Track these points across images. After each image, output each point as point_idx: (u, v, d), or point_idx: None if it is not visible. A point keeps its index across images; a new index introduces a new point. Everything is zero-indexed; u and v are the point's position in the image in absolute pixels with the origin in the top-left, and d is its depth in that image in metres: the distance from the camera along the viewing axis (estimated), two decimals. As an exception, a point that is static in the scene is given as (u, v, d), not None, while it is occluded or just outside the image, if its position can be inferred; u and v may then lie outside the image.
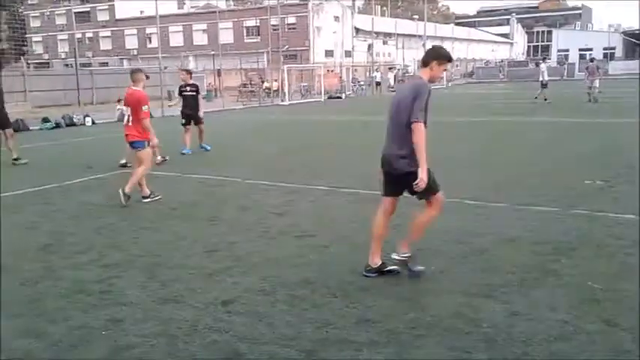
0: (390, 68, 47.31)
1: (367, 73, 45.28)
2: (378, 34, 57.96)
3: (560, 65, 53.02)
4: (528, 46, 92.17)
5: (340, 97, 34.78)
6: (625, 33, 62.33)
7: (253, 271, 4.74)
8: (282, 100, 31.54)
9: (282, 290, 4.30)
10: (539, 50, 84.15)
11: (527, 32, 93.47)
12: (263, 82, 36.14)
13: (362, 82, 42.84)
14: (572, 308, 3.80)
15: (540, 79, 24.62)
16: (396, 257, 4.51)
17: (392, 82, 41.95)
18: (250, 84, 35.88)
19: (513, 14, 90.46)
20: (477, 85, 46.05)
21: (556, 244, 5.11)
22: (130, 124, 7.51)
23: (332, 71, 40.69)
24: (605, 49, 58.41)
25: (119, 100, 17.53)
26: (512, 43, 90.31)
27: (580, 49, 59.70)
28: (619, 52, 61.31)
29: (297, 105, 30.10)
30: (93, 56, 60.36)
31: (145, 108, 7.44)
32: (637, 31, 57.53)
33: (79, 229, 6.33)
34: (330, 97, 34.30)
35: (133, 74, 7.80)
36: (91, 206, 7.43)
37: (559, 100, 23.82)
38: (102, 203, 7.55)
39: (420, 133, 4.12)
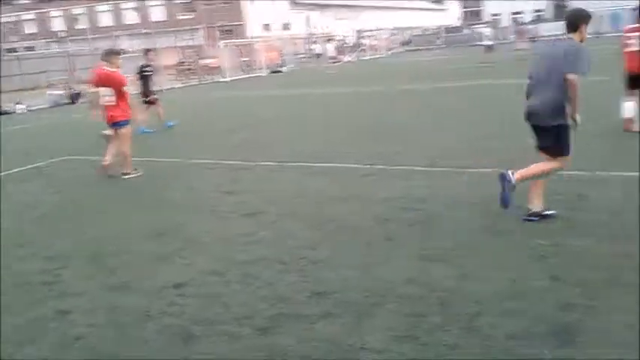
0: (328, 40, 47.09)
1: (306, 46, 44.91)
2: (314, 5, 57.51)
3: (493, 29, 54.12)
4: (463, 12, 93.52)
5: (281, 71, 34.44)
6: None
7: (204, 252, 4.67)
8: (223, 77, 30.95)
9: (234, 269, 4.25)
10: (474, 15, 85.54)
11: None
12: (201, 59, 35.31)
13: (302, 55, 42.52)
14: (520, 266, 3.92)
15: (485, 43, 25.16)
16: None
17: (333, 54, 41.82)
18: (188, 62, 34.97)
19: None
20: (416, 53, 46.46)
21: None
22: (114, 104, 7.56)
23: (270, 45, 40.18)
24: (535, 11, 59.98)
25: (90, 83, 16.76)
26: (445, 10, 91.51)
27: (512, 13, 61.11)
28: (548, 14, 63.13)
29: (238, 81, 29.61)
30: (18, 40, 57.23)
31: (125, 88, 7.62)
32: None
33: (19, 220, 6.05)
34: (272, 72, 33.92)
35: (109, 56, 7.80)
36: (31, 196, 7.11)
37: (497, 64, 24.32)
38: (42, 192, 7.23)
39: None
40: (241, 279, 4.07)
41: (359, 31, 54.63)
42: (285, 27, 53.90)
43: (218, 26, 37.53)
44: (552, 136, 4.59)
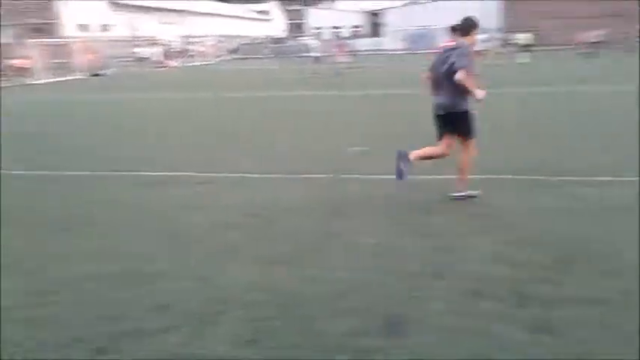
0: (153, 44, 45.47)
1: (130, 49, 42.87)
2: (137, 8, 55.13)
3: (319, 41, 56.73)
4: (288, 24, 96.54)
5: (103, 75, 32.40)
6: (369, 12, 68.99)
7: (28, 271, 4.25)
8: (36, 80, 28.23)
9: (66, 289, 3.94)
10: (297, 27, 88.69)
11: (285, 10, 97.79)
12: (8, 59, 31.77)
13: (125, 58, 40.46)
14: (353, 265, 4.20)
15: (313, 54, 26.28)
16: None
17: (159, 59, 40.43)
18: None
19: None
20: (245, 61, 46.81)
21: (335, 208, 5.56)
22: None
23: (89, 46, 37.55)
24: (353, 27, 63.98)
25: None
26: (271, 20, 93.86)
27: (333, 27, 64.54)
28: (366, 30, 67.83)
29: (53, 84, 27.23)
30: None
31: None
32: (378, 11, 64.21)
33: None
34: (92, 75, 31.74)
35: None
36: None
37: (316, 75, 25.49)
38: None
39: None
40: (74, 298, 3.79)
41: (185, 37, 53.59)
42: (105, 28, 50.86)
43: (27, 24, 34.12)
44: (460, 122, 5.49)
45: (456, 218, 5.20)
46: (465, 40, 5.53)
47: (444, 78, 5.47)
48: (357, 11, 67.36)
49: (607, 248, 4.35)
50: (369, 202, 5.79)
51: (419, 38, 56.99)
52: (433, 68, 5.72)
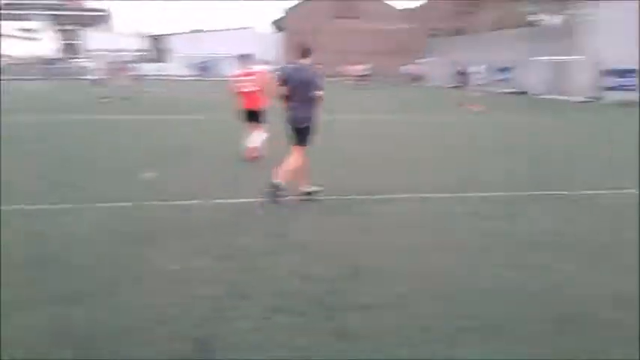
0: None
1: None
2: None
3: (97, 64, 53.50)
4: (61, 44, 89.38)
5: None
6: (152, 37, 67.38)
7: None
8: None
9: None
10: (71, 49, 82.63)
11: (58, 30, 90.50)
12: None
13: None
14: (158, 292, 4.12)
15: (91, 77, 24.72)
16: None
17: None
18: None
19: (40, 10, 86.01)
20: (14, 82, 41.86)
21: (135, 235, 5.39)
22: None
23: None
24: (136, 51, 61.75)
25: None
26: (39, 39, 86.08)
27: (111, 51, 61.51)
28: (151, 55, 66.10)
29: None
30: None
31: None
32: (163, 36, 63.10)
33: None
34: None
35: None
36: None
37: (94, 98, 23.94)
38: None
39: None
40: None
41: None
42: None
43: None
44: (307, 133, 6.62)
45: (258, 239, 5.40)
46: (309, 63, 6.64)
47: (302, 96, 6.48)
48: (140, 35, 65.42)
49: (392, 258, 4.93)
50: (171, 227, 5.71)
51: (206, 65, 57.55)
52: (290, 87, 6.54)
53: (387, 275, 4.52)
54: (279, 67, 6.72)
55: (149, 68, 55.07)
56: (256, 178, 7.54)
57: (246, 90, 9.77)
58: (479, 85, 31.98)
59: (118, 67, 27.59)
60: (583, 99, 26.98)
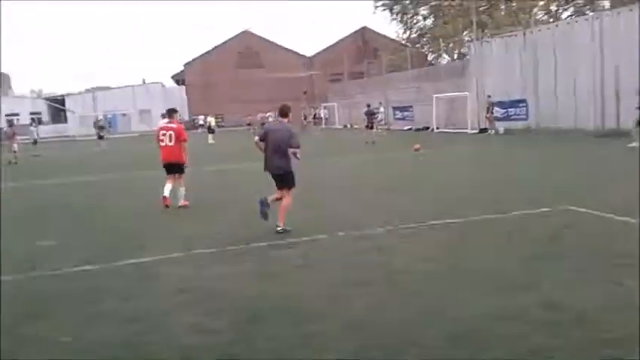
0: None
1: None
2: None
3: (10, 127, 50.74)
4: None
5: None
6: (47, 99, 64.91)
7: None
8: None
9: None
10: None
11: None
12: None
13: None
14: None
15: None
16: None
17: None
18: None
19: None
20: None
21: (29, 309, 5.07)
22: None
23: None
24: (31, 113, 59.14)
25: None
26: None
27: (7, 115, 58.57)
28: (45, 116, 63.43)
29: None
30: None
31: None
32: (59, 97, 60.95)
33: None
34: None
35: None
36: None
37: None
38: None
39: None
40: None
41: None
42: None
43: None
44: (290, 178, 7.74)
45: (158, 299, 5.25)
46: (286, 121, 7.86)
47: (281, 149, 7.59)
48: (36, 98, 62.86)
49: (294, 302, 4.96)
50: (67, 297, 5.43)
51: (102, 123, 55.93)
52: (269, 141, 7.71)
53: (290, 317, 4.54)
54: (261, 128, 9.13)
55: (45, 130, 52.94)
56: (156, 236, 7.36)
57: (163, 144, 10.23)
58: (383, 124, 33.31)
59: (7, 131, 26.41)
60: (477, 130, 28.77)
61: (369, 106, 27.81)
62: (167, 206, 9.96)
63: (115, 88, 60.20)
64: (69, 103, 57.20)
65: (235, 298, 5.12)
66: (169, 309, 4.94)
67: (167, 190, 10.09)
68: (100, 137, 32.78)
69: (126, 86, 57.61)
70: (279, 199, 7.78)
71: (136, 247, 7.30)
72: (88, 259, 6.70)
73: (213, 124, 34.59)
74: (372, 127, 26.02)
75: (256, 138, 8.01)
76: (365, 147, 23.06)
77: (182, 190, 10.22)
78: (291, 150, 7.61)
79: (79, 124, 50.83)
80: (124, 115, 55.44)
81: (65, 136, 46.78)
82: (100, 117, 41.52)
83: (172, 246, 7.18)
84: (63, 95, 60.88)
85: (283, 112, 7.97)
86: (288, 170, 7.75)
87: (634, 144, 16.59)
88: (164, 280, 5.84)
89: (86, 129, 49.04)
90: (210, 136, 32.42)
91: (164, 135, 10.23)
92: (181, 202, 10.11)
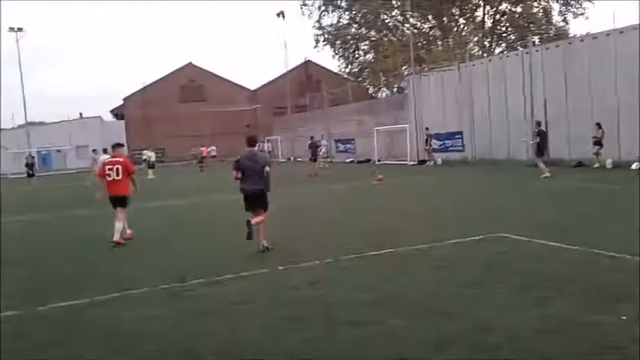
0: None
1: None
2: None
3: None
4: None
5: None
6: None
7: None
8: None
9: None
10: None
11: None
12: None
13: None
14: None
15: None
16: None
17: None
18: None
19: None
20: None
21: None
22: None
23: None
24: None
25: None
26: None
27: None
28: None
29: None
30: None
31: None
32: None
33: None
34: None
35: None
36: None
37: None
38: None
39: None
40: None
41: None
42: None
43: None
44: (264, 199, 8.73)
45: (88, 344, 4.99)
46: (255, 148, 9.10)
47: (256, 173, 8.54)
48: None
49: (231, 341, 4.83)
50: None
51: (43, 159, 53.98)
52: (243, 167, 8.60)
53: (227, 357, 4.42)
54: (236, 158, 9.00)
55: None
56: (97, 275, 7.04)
57: (110, 178, 10.22)
58: (326, 156, 33.66)
59: None
60: (416, 162, 29.48)
61: (312, 138, 28.04)
62: (120, 243, 9.79)
63: (50, 123, 58.25)
64: (2, 140, 54.87)
65: (171, 341, 4.94)
66: (99, 356, 4.69)
67: (117, 228, 9.93)
68: (30, 175, 31.59)
69: (62, 121, 55.83)
70: (259, 222, 8.57)
71: (64, 289, 6.97)
72: (11, 304, 6.34)
73: (153, 158, 33.92)
74: (315, 160, 26.21)
75: (234, 172, 8.79)
76: (308, 179, 23.13)
77: (123, 225, 10.11)
78: (266, 169, 8.65)
79: (12, 160, 48.74)
80: (58, 151, 53.58)
81: (-3, 175, 44.72)
82: (28, 154, 40.08)
83: (104, 287, 6.90)
84: (-2, 130, 58.42)
85: (250, 141, 8.96)
86: (263, 191, 8.73)
87: (546, 174, 17.49)
88: (94, 323, 5.57)
89: (19, 166, 47.18)
90: (150, 171, 31.76)
91: (110, 170, 10.22)
92: (116, 238, 9.83)
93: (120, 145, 11.14)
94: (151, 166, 32.51)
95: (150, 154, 34.11)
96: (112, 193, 10.27)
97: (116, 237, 9.82)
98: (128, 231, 10.37)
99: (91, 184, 26.59)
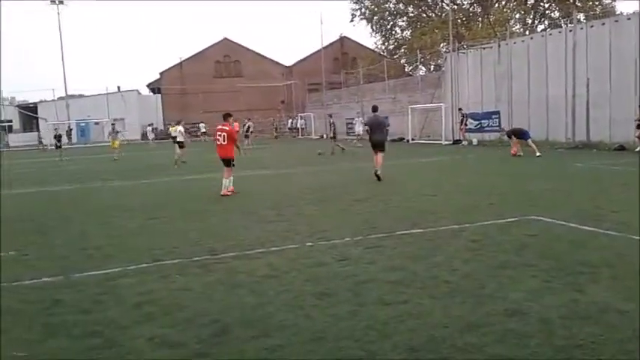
0: None
1: None
2: None
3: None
4: None
5: None
6: (20, 106, 63.75)
7: None
8: None
9: None
10: None
11: None
12: None
13: None
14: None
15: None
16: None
17: None
18: None
19: None
20: None
21: None
22: None
23: None
24: (1, 121, 58.11)
25: None
26: None
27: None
28: (17, 124, 62.32)
29: None
30: None
31: None
32: (31, 105, 59.92)
33: None
34: None
35: None
36: None
37: None
38: None
39: None
40: None
41: None
42: None
43: None
44: (383, 146, 14.30)
45: (119, 311, 5.11)
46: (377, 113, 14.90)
47: (379, 129, 14.50)
48: (6, 105, 61.70)
49: (260, 314, 4.88)
50: (24, 310, 5.26)
51: (82, 131, 55.21)
52: (370, 125, 14.62)
53: (255, 330, 4.46)
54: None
55: (15, 139, 51.87)
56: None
57: (219, 143, 12.61)
58: (359, 135, 33.47)
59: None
60: (451, 142, 29.05)
61: (330, 116, 27.78)
62: (226, 195, 12.26)
63: (88, 95, 59.33)
64: (41, 111, 56.26)
65: (200, 310, 5.02)
66: (129, 323, 4.79)
67: (224, 184, 12.38)
68: (58, 147, 32.35)
69: (99, 94, 56.78)
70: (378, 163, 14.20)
71: (98, 258, 7.14)
72: (48, 271, 6.53)
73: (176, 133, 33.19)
74: (334, 138, 25.89)
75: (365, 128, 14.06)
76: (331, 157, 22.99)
77: (227, 182, 12.43)
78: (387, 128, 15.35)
79: (50, 132, 50.07)
80: (96, 123, 54.65)
81: (34, 145, 46.03)
82: (56, 127, 41.09)
83: (137, 257, 7.03)
84: (35, 103, 59.88)
85: (375, 108, 15.03)
86: (385, 141, 14.75)
87: (538, 154, 19.03)
88: (126, 292, 5.69)
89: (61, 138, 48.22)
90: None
91: (219, 136, 12.56)
92: (224, 191, 12.35)
93: (229, 115, 12.98)
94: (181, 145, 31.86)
95: (179, 128, 32.60)
96: (220, 155, 12.61)
97: (223, 190, 12.30)
98: (231, 187, 12.47)
99: (117, 157, 27.18)
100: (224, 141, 12.49)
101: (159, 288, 5.76)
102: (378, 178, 13.87)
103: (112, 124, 32.42)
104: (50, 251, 7.70)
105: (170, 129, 28.61)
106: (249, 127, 33.43)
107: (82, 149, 41.51)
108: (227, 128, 12.59)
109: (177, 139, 22.87)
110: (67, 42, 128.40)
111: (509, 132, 21.54)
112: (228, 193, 12.32)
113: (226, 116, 12.90)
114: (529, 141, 19.95)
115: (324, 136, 43.40)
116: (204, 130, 45.04)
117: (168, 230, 8.89)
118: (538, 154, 19.13)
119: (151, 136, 47.03)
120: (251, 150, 27.07)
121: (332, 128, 25.99)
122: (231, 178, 12.50)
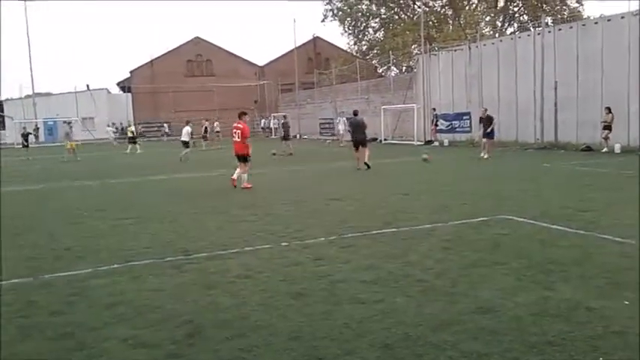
0: None
1: None
2: None
3: None
4: None
5: None
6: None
7: None
8: None
9: None
10: None
11: None
12: None
13: None
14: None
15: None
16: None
17: None
18: None
19: None
20: None
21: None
22: None
23: None
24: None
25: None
26: None
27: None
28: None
29: None
30: None
31: None
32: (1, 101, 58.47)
33: None
34: None
35: None
36: None
37: None
38: None
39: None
40: None
41: None
42: None
43: None
44: (364, 143, 17.23)
45: (90, 312, 5.02)
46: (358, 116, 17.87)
47: (359, 129, 17.48)
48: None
49: (234, 314, 4.84)
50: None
51: (49, 130, 54.03)
52: (352, 125, 18.02)
53: (229, 330, 4.43)
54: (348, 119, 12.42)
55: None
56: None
57: (234, 140, 13.51)
58: (341, 134, 33.48)
59: None
60: (423, 142, 29.33)
61: (285, 117, 28.12)
62: (235, 186, 13.20)
63: (56, 94, 58.11)
64: (7, 109, 54.91)
65: (173, 311, 4.96)
66: (100, 324, 4.71)
67: (236, 173, 13.39)
68: (25, 146, 31.69)
69: (68, 92, 55.64)
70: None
71: (70, 259, 7.00)
72: (18, 272, 6.38)
73: (132, 132, 33.72)
74: (285, 139, 26.03)
75: (344, 127, 15.32)
76: (283, 159, 22.98)
77: (245, 176, 13.33)
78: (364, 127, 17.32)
79: (17, 130, 48.87)
80: (64, 122, 53.60)
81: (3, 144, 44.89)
82: (23, 126, 40.44)
83: (109, 258, 6.92)
84: (1, 101, 58.43)
85: (356, 112, 15.01)
86: (366, 140, 17.29)
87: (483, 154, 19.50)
88: (98, 293, 5.59)
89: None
90: (130, 146, 32.12)
91: (235, 133, 13.42)
92: (245, 184, 13.21)
93: (244, 113, 13.73)
94: (133, 141, 32.42)
95: (131, 129, 34.22)
96: (235, 151, 13.47)
97: (243, 184, 13.14)
98: (245, 184, 13.17)
99: (67, 159, 26.77)
100: (238, 138, 13.27)
101: (131, 289, 5.68)
102: (368, 167, 16.55)
103: (69, 124, 32.21)
104: (19, 252, 7.52)
105: (127, 128, 31.12)
106: (206, 129, 33.22)
107: (50, 148, 40.58)
108: (241, 126, 13.31)
109: (182, 139, 24.51)
110: (35, 39, 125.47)
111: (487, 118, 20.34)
112: (249, 186, 13.10)
113: (241, 115, 13.62)
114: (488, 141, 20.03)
115: (298, 136, 43.45)
116: (167, 130, 48.67)
117: (139, 231, 8.77)
118: (485, 156, 19.37)
119: (111, 135, 46.69)
120: (213, 151, 26.97)
121: (284, 128, 26.18)
122: (245, 175, 13.29)
